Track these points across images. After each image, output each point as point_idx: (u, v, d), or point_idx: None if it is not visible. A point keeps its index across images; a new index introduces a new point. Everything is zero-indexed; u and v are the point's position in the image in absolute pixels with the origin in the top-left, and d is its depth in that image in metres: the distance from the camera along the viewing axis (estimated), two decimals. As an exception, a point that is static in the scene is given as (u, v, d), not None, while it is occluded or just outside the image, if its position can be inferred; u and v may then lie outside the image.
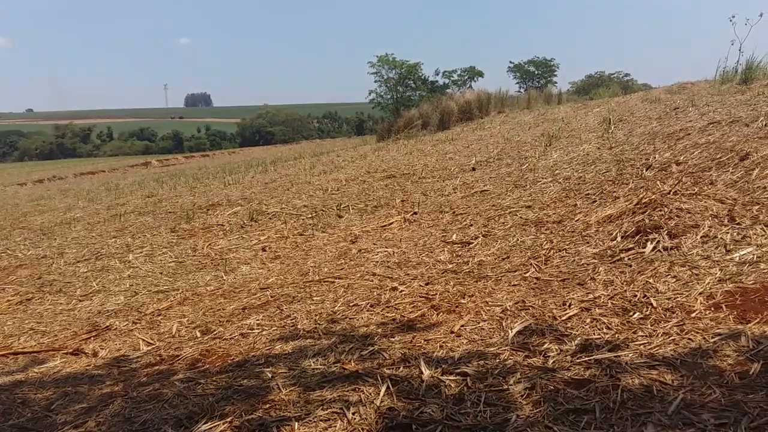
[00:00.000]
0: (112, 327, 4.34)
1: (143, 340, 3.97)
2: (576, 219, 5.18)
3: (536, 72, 40.93)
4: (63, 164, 49.24)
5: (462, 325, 3.36)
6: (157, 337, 4.00)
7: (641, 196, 5.08)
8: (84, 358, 3.82)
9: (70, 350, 3.96)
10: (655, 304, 3.17)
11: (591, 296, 3.47)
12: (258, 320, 4.01)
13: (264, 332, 3.78)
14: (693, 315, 2.97)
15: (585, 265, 4.05)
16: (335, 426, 2.41)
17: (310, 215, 7.36)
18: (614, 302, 3.33)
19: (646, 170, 5.99)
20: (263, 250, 6.12)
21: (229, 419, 2.55)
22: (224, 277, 5.28)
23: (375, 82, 29.20)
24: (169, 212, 8.95)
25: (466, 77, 35.00)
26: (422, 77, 30.52)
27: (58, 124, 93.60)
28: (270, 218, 7.52)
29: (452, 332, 3.28)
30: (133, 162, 38.64)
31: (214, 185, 11.86)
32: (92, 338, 4.17)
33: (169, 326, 4.16)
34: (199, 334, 3.93)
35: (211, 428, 2.51)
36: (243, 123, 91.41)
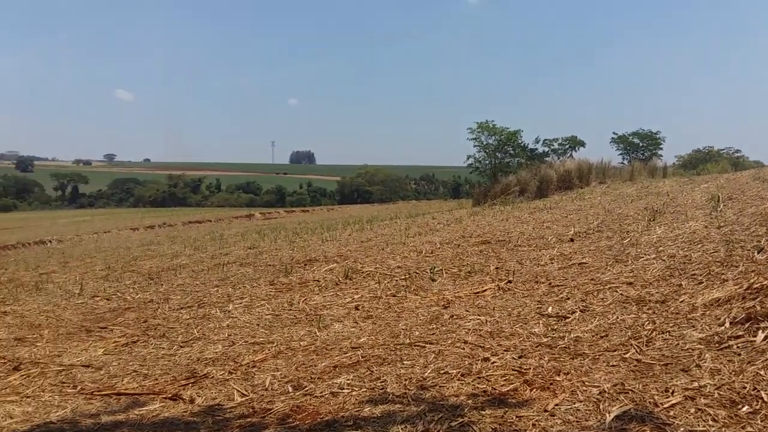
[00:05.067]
0: (209, 375, 4.49)
1: (238, 390, 4.09)
2: (681, 300, 4.96)
3: (640, 144, 39.85)
4: (173, 212, 52.02)
5: (556, 404, 3.26)
6: (251, 389, 4.10)
7: (752, 280, 4.81)
8: (181, 404, 3.96)
9: (169, 395, 4.13)
10: (766, 399, 2.98)
11: (696, 384, 3.29)
12: (348, 380, 4.04)
13: (353, 393, 3.81)
14: (811, 415, 2.76)
15: (690, 350, 3.85)
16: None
17: (403, 276, 7.40)
18: (721, 393, 3.15)
19: (758, 253, 5.67)
20: (356, 308, 6.19)
21: (316, 479, 2.57)
22: (317, 333, 5.38)
23: (474, 147, 29.36)
24: (269, 265, 9.24)
25: (567, 146, 34.57)
26: (522, 144, 30.43)
27: (171, 174, 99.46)
28: (364, 277, 7.62)
29: (546, 411, 3.19)
30: (238, 213, 40.33)
31: (312, 240, 12.18)
32: (190, 385, 4.33)
33: (263, 379, 4.27)
34: (290, 389, 4.00)
35: (298, 486, 2.53)
36: (343, 181, 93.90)
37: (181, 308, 6.90)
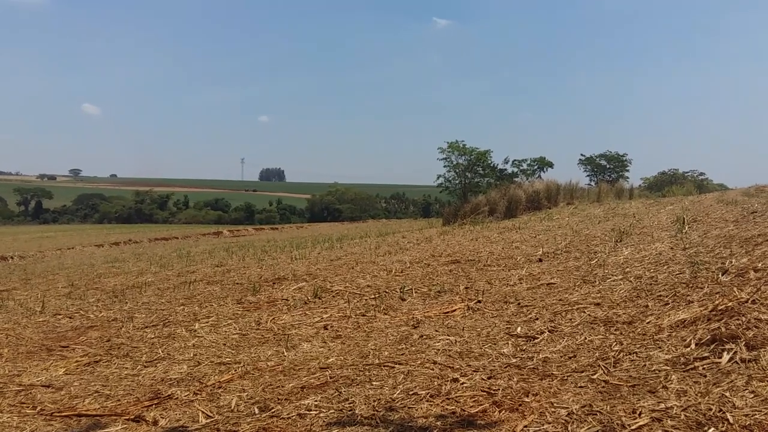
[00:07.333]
0: (174, 396, 4.39)
1: (202, 412, 4.00)
2: (647, 321, 5.01)
3: (608, 166, 40.56)
4: (139, 229, 51.31)
5: (525, 426, 3.25)
6: (216, 410, 4.02)
7: (717, 302, 4.88)
8: (144, 426, 3.87)
9: (132, 416, 4.02)
10: (731, 420, 3.00)
11: (663, 406, 3.31)
12: (316, 401, 3.99)
13: (321, 414, 3.76)
14: (775, 436, 2.79)
15: (656, 372, 3.88)
16: None
17: (373, 296, 7.37)
18: (687, 414, 3.17)
19: (722, 275, 5.77)
20: (325, 328, 6.14)
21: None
22: (285, 354, 5.31)
23: (444, 167, 29.52)
24: (237, 283, 9.13)
25: (535, 167, 34.96)
26: (491, 164, 30.69)
27: (138, 190, 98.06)
28: (333, 296, 7.57)
29: (514, 432, 3.17)
30: (206, 230, 39.90)
31: (281, 259, 12.08)
32: (154, 406, 4.22)
33: (229, 400, 4.19)
34: (257, 411, 3.93)
35: None
36: (313, 199, 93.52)
37: (146, 327, 6.76)
